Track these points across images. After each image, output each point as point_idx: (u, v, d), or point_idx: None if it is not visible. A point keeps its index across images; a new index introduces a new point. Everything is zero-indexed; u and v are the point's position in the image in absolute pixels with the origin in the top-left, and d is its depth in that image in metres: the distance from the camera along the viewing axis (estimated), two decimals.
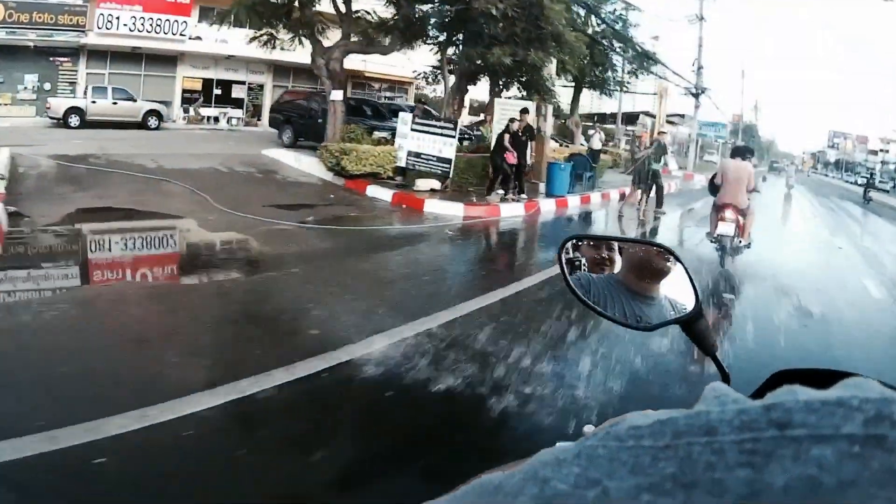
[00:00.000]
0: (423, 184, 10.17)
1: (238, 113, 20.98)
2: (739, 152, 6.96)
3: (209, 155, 13.16)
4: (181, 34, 19.35)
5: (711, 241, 6.70)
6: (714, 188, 6.75)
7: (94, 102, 17.67)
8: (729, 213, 6.38)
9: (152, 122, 18.23)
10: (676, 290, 0.75)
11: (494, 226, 8.90)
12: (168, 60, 20.25)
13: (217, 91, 20.92)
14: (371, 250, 6.93)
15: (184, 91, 20.68)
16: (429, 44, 12.60)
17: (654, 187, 10.75)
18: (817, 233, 12.52)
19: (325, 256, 6.42)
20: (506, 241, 8.18)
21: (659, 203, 11.28)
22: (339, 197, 10.16)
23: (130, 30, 18.97)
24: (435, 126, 10.47)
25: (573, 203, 11.24)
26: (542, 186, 11.32)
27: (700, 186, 20.81)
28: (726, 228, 6.36)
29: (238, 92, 21.29)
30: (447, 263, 6.79)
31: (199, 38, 19.80)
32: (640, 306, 0.76)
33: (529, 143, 10.29)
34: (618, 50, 18.93)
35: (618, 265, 0.80)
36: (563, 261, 0.79)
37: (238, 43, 16.23)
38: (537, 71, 10.61)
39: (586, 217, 10.81)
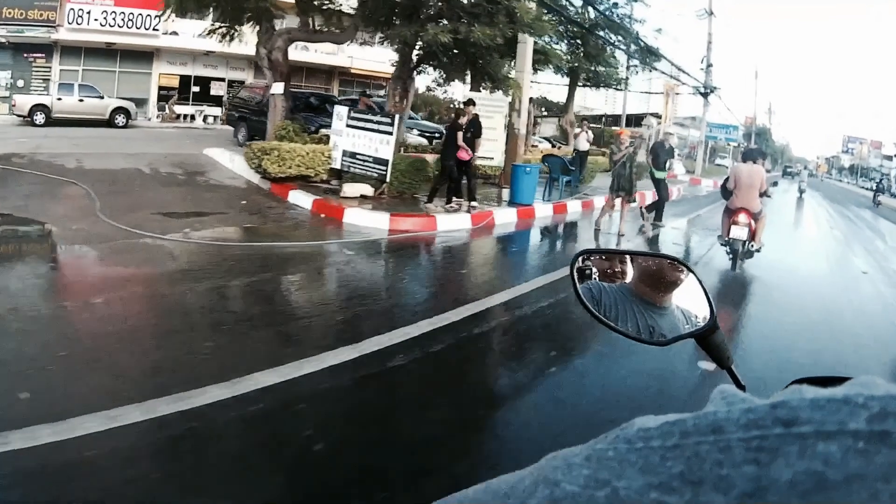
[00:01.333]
0: (351, 189, 7.92)
1: (216, 111, 18.93)
2: (751, 155, 6.55)
3: (145, 154, 11.47)
4: (154, 29, 17.41)
5: (722, 245, 6.32)
6: (727, 192, 6.35)
7: (59, 100, 16.03)
8: (742, 217, 6.02)
9: (120, 119, 16.39)
10: (690, 302, 0.70)
11: (421, 244, 6.60)
12: (144, 56, 18.37)
13: (195, 88, 18.94)
14: (223, 276, 4.86)
15: (160, 88, 18.78)
16: (385, 33, 10.22)
17: (650, 193, 8.40)
18: (837, 250, 9.80)
19: (157, 283, 4.68)
20: (418, 267, 5.84)
21: (658, 215, 8.83)
22: (253, 203, 8.03)
23: (101, 24, 17.13)
24: (371, 121, 8.19)
25: (543, 213, 8.83)
26: (506, 193, 8.92)
27: (706, 192, 18.38)
28: (739, 232, 6.02)
29: (217, 89, 19.25)
30: (305, 301, 4.59)
31: (175, 33, 17.85)
32: (654, 318, 0.71)
33: (476, 140, 7.94)
34: (616, 43, 16.27)
35: (630, 277, 0.74)
36: (575, 272, 0.74)
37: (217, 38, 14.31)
38: (489, 53, 8.20)
39: (553, 232, 8.38)
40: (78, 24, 17.02)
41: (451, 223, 7.19)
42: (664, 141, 9.31)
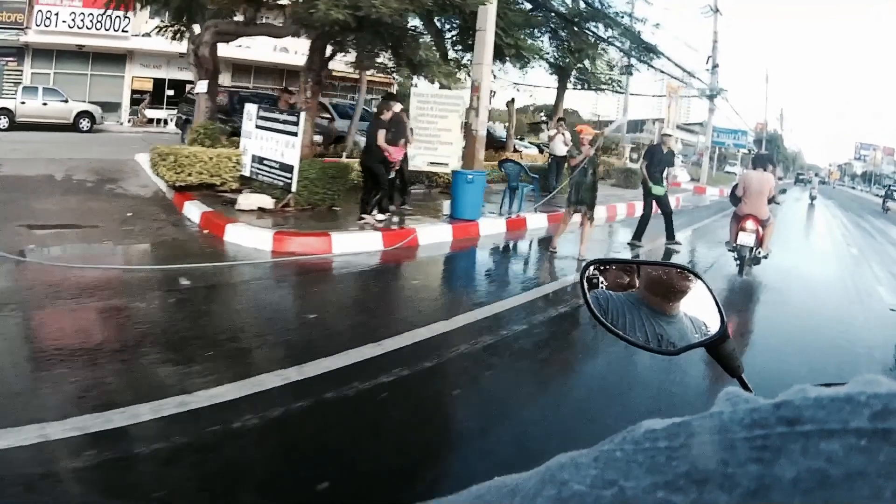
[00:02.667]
0: (246, 201, 6.26)
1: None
2: (761, 162, 6.41)
3: (72, 160, 10.26)
4: (123, 30, 16.06)
5: (730, 251, 6.16)
6: (736, 199, 6.19)
7: (23, 103, 14.84)
8: (750, 224, 5.85)
9: (84, 124, 15.08)
10: (700, 311, 0.66)
11: (299, 272, 4.86)
12: (116, 59, 17.06)
13: (169, 92, 17.51)
14: (16, 307, 3.61)
15: (133, 91, 17.43)
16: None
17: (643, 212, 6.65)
18: (856, 275, 7.63)
19: None
20: (259, 308, 3.96)
21: (638, 234, 6.98)
22: (141, 216, 6.58)
23: (70, 26, 15.86)
24: (278, 121, 6.51)
25: (491, 231, 6.99)
26: (447, 206, 7.12)
27: (710, 202, 16.36)
28: (746, 239, 5.86)
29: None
30: (74, 348, 3.02)
31: (147, 34, 16.45)
32: (663, 326, 0.67)
33: (399, 140, 6.20)
34: (609, 39, 14.24)
35: (639, 286, 0.70)
36: (585, 282, 0.71)
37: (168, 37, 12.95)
38: (411, 35, 6.44)
39: (492, 257, 6.50)
40: (46, 26, 15.79)
41: (355, 244, 5.43)
42: (661, 144, 7.25)
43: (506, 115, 15.30)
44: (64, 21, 15.79)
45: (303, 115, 6.22)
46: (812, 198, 21.32)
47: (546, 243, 6.66)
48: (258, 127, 6.79)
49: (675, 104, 24.44)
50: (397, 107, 6.22)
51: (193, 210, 6.40)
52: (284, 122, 6.37)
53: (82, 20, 15.82)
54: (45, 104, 14.89)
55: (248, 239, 5.41)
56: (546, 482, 0.24)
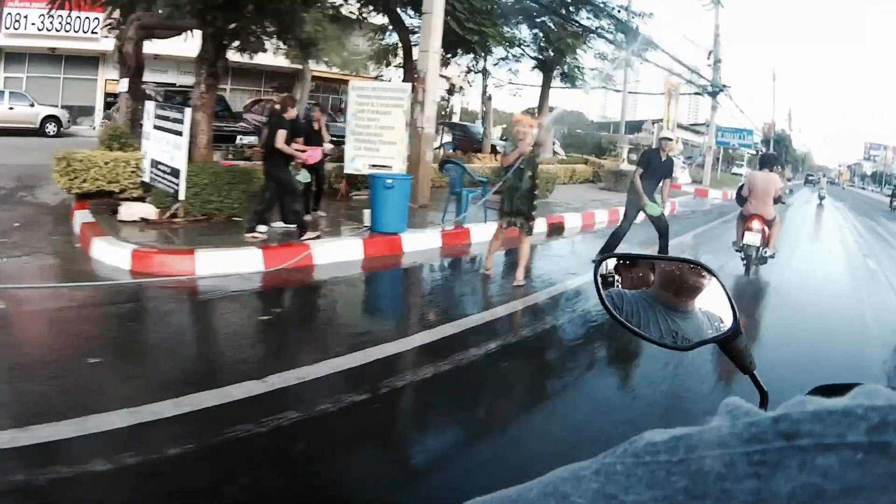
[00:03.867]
0: (128, 211, 5.37)
1: None
2: (767, 162, 6.16)
3: (2, 166, 9.27)
4: (93, 32, 15.35)
5: (737, 251, 6.04)
6: (742, 199, 6.07)
7: None
8: (755, 224, 5.76)
9: (50, 128, 14.42)
10: (713, 307, 0.65)
11: (127, 302, 3.87)
12: (89, 62, 16.38)
13: None
14: None
15: (107, 94, 16.72)
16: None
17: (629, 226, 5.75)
18: (877, 300, 5.90)
19: None
20: (42, 347, 3.06)
21: (606, 249, 5.79)
22: (32, 226, 6.01)
23: (39, 29, 15.19)
24: (168, 120, 5.58)
25: (417, 246, 5.82)
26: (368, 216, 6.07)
27: (710, 206, 15.10)
28: (752, 238, 5.77)
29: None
30: None
31: (107, 35, 15.79)
32: (677, 322, 0.65)
33: (294, 142, 5.22)
34: (597, 29, 13.04)
35: (652, 282, 0.68)
36: (598, 278, 0.68)
37: (167, 42, 12.13)
38: (291, 8, 5.46)
39: (403, 281, 5.41)
40: (15, 29, 15.15)
41: (226, 265, 4.43)
42: (660, 149, 5.80)
43: (504, 118, 14.22)
44: (33, 23, 15.15)
45: (188, 111, 5.27)
46: (821, 198, 21.52)
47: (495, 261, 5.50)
48: (155, 127, 5.87)
49: (674, 102, 23.04)
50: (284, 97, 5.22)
51: (79, 221, 5.51)
52: (174, 120, 5.43)
53: (51, 22, 15.13)
54: (11, 108, 14.28)
55: (110, 256, 4.48)
56: (548, 495, 0.23)
